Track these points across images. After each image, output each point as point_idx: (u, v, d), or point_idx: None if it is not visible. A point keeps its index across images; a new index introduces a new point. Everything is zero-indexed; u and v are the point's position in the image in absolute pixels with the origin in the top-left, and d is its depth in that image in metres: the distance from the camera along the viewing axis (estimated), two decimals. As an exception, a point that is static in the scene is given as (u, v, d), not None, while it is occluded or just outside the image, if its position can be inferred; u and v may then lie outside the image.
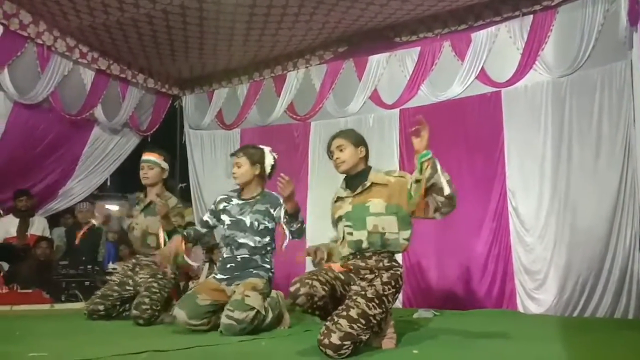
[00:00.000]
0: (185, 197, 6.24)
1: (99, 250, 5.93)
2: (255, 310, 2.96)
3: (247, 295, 2.99)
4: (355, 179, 2.68)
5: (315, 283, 2.36)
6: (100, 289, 3.82)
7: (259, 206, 3.28)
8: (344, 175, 2.77)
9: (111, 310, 3.67)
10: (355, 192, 2.64)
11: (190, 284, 4.63)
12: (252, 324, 2.95)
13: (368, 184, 2.62)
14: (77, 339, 2.85)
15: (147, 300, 3.46)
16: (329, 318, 2.31)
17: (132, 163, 5.35)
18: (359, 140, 2.72)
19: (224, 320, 2.93)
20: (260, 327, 3.04)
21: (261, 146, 3.45)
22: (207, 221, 3.44)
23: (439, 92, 4.90)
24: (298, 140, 5.74)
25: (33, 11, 4.85)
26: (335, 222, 2.73)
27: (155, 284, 3.57)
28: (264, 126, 5.95)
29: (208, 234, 3.54)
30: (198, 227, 3.50)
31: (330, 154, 2.73)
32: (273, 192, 3.30)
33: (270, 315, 3.11)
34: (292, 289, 2.37)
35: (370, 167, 2.73)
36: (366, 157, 2.73)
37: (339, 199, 2.73)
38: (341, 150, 2.67)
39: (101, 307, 3.61)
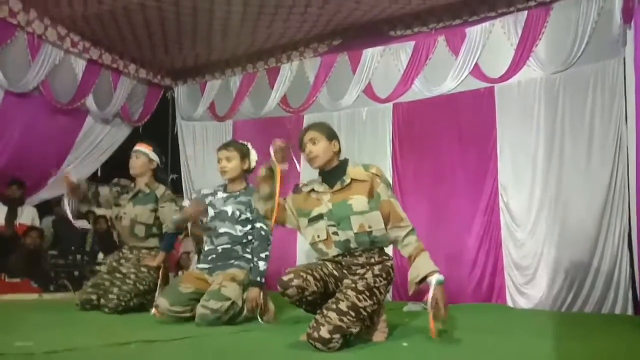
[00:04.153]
0: (176, 188, 6.21)
1: (88, 239, 5.90)
2: (231, 300, 2.97)
3: (224, 286, 3.00)
4: (332, 174, 2.57)
5: (310, 278, 2.34)
6: (91, 279, 3.80)
7: (242, 198, 3.28)
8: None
9: None
10: (334, 189, 2.52)
11: (180, 274, 4.63)
12: (227, 314, 2.96)
13: (348, 180, 2.50)
14: (65, 328, 2.83)
15: (115, 290, 3.49)
16: (318, 311, 2.30)
17: (123, 153, 5.29)
18: (332, 134, 2.61)
19: (199, 309, 2.94)
20: (237, 318, 3.03)
21: (241, 141, 3.45)
22: None
23: (433, 87, 4.90)
24: (291, 133, 5.70)
25: (23, -2, 4.79)
26: (314, 218, 2.53)
27: (132, 275, 3.58)
28: (256, 118, 5.93)
29: None
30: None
31: (302, 146, 2.62)
32: None
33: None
34: (285, 278, 2.33)
35: (347, 160, 2.62)
36: (339, 152, 2.62)
37: (314, 192, 2.59)
38: (314, 143, 2.57)
39: (94, 297, 3.59)
